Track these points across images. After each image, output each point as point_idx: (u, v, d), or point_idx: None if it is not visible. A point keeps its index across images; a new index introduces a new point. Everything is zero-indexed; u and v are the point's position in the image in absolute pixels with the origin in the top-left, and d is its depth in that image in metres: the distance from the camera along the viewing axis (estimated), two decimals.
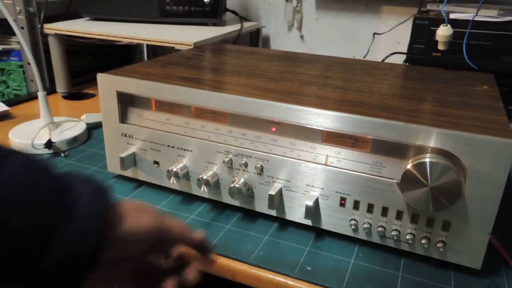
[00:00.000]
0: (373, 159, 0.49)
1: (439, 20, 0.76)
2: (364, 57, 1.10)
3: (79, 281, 0.33)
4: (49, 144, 0.74)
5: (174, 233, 0.40)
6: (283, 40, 1.28)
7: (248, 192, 0.56)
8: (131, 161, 0.62)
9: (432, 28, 0.77)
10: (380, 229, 0.50)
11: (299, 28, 1.23)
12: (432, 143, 0.45)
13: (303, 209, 0.52)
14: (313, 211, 0.52)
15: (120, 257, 0.37)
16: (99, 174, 0.67)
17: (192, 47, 0.87)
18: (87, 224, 0.32)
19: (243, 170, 0.56)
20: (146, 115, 0.60)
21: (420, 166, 0.44)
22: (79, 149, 0.77)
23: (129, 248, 0.37)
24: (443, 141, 0.44)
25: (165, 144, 0.60)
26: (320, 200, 0.52)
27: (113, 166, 0.65)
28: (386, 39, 1.13)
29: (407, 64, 0.83)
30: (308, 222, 0.54)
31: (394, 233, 0.50)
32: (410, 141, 0.46)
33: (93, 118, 0.86)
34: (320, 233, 0.55)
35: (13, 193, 0.30)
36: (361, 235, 0.52)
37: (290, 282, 0.47)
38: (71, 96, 1.08)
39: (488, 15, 0.75)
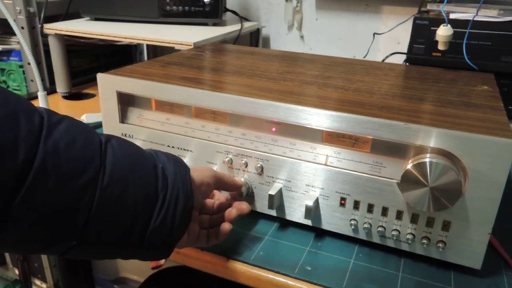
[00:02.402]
0: (373, 159, 0.49)
1: (439, 20, 0.76)
2: (364, 57, 1.10)
3: (180, 232, 0.42)
4: None
5: (226, 179, 0.50)
6: (283, 40, 1.28)
7: (248, 192, 0.56)
8: None
9: (432, 28, 0.77)
10: (380, 229, 0.50)
11: (299, 28, 1.23)
12: (432, 143, 0.45)
13: (303, 209, 0.52)
14: (313, 211, 0.52)
15: (198, 204, 0.46)
16: None
17: (192, 47, 0.87)
18: (178, 186, 0.41)
19: (243, 170, 0.56)
20: (146, 115, 0.60)
21: (420, 166, 0.44)
22: None
23: (203, 194, 0.46)
24: (443, 141, 0.44)
25: (165, 144, 0.60)
26: (320, 200, 0.52)
27: None
28: (386, 39, 1.13)
29: (407, 64, 0.83)
30: (308, 222, 0.54)
31: (394, 233, 0.50)
32: (410, 141, 0.46)
33: (93, 118, 0.86)
34: (320, 233, 0.55)
35: (125, 168, 0.38)
36: (361, 235, 0.52)
37: (290, 282, 0.47)
38: (71, 96, 1.08)
39: (488, 15, 0.75)
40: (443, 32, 0.71)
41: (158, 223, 0.39)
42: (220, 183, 0.49)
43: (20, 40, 0.76)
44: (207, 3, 1.03)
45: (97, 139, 0.38)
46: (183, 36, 0.93)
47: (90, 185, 0.35)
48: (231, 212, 0.49)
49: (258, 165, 0.54)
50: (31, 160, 0.31)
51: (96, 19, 1.10)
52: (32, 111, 0.34)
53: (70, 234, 0.35)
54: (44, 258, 1.27)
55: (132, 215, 0.38)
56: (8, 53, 1.12)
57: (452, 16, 0.77)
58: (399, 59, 0.94)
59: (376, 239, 0.52)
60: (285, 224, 0.57)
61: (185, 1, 1.04)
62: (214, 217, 0.51)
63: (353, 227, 0.52)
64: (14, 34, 0.99)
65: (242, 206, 0.50)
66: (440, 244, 0.48)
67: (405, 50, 0.83)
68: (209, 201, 0.52)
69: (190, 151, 0.58)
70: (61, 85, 1.06)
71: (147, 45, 1.39)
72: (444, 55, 0.78)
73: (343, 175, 0.50)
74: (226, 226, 0.48)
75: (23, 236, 0.33)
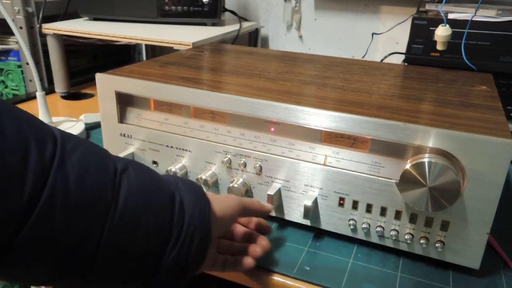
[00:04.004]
0: (372, 159, 0.49)
1: (437, 20, 0.76)
2: (363, 57, 1.10)
3: (193, 270, 0.40)
4: None
5: (253, 206, 0.48)
6: (282, 40, 1.28)
7: (247, 192, 0.56)
8: None
9: (430, 28, 0.77)
10: (378, 229, 0.50)
11: (298, 28, 1.23)
12: (430, 143, 0.45)
13: (302, 209, 0.52)
14: (312, 211, 0.52)
15: (216, 236, 0.43)
16: None
17: (191, 47, 0.86)
18: (195, 223, 0.38)
19: (242, 170, 0.56)
20: (145, 115, 0.60)
21: (418, 166, 0.44)
22: None
23: (224, 227, 0.44)
24: (441, 141, 0.44)
25: (163, 144, 0.60)
26: (319, 200, 0.52)
27: None
28: (385, 39, 1.13)
29: (406, 64, 0.83)
30: (307, 222, 0.54)
31: (393, 233, 0.50)
32: (409, 141, 0.46)
33: (92, 118, 0.86)
34: (319, 233, 0.55)
35: (139, 204, 0.35)
36: (360, 235, 0.52)
37: (289, 282, 0.47)
38: (69, 96, 1.08)
39: (487, 15, 0.75)
40: (442, 32, 0.71)
41: (169, 262, 0.37)
42: (247, 211, 0.46)
43: (19, 40, 0.76)
44: (205, 3, 1.03)
45: (112, 169, 0.35)
46: (182, 36, 0.93)
47: (99, 222, 0.33)
48: (256, 250, 0.46)
49: (257, 165, 0.54)
50: (38, 194, 0.29)
51: (95, 19, 1.10)
52: (45, 138, 0.31)
53: (74, 271, 0.33)
54: None
55: (142, 253, 0.36)
56: (6, 53, 1.12)
57: (450, 16, 0.77)
58: (398, 59, 0.94)
59: (374, 239, 0.52)
60: (284, 224, 0.57)
61: (183, 1, 1.04)
62: (235, 245, 0.48)
63: (352, 227, 0.52)
64: (12, 34, 0.99)
65: (263, 243, 0.47)
66: (439, 244, 0.48)
67: (404, 50, 0.83)
68: (232, 226, 0.50)
69: (189, 151, 0.58)
70: (59, 85, 1.06)
71: (146, 45, 1.39)
72: (443, 55, 0.78)
73: (341, 175, 0.50)
74: (249, 262, 0.45)
75: (24, 271, 0.31)
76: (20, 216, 0.29)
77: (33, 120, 0.32)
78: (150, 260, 0.36)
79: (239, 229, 0.50)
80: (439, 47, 0.73)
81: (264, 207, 0.49)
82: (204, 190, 0.42)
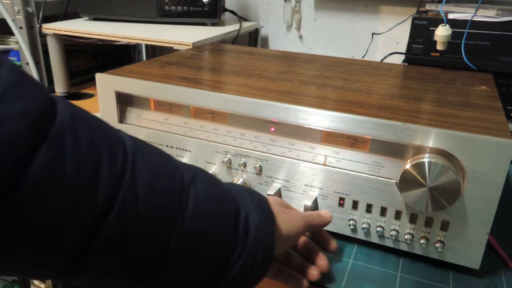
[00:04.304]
0: (372, 159, 0.49)
1: (437, 20, 0.76)
2: (363, 57, 1.10)
3: (255, 283, 0.39)
4: None
5: (315, 221, 0.46)
6: (282, 40, 1.28)
7: None
8: None
9: (430, 28, 0.77)
10: (378, 229, 0.50)
11: (298, 28, 1.23)
12: (430, 143, 0.45)
13: (302, 209, 0.52)
14: (312, 211, 0.52)
15: (279, 253, 0.43)
16: None
17: (191, 47, 0.86)
18: (260, 241, 0.38)
19: (242, 170, 0.56)
20: (145, 115, 0.60)
21: (418, 166, 0.44)
22: None
23: (288, 245, 0.43)
24: (441, 141, 0.44)
25: (164, 144, 0.60)
26: (319, 200, 0.52)
27: None
28: (385, 39, 1.13)
29: (406, 64, 0.83)
30: None
31: (392, 233, 0.50)
32: (409, 141, 0.46)
33: None
34: None
35: (204, 217, 0.35)
36: (360, 235, 0.52)
37: None
38: (69, 96, 1.08)
39: (487, 15, 0.75)
40: (442, 32, 0.71)
41: (233, 274, 0.37)
42: (309, 227, 0.45)
43: (19, 40, 0.76)
44: (205, 3, 1.03)
45: (179, 179, 0.35)
46: (182, 36, 0.93)
47: (167, 232, 0.33)
48: (313, 274, 0.45)
49: (257, 165, 0.54)
50: (110, 205, 0.29)
51: (95, 19, 1.10)
52: (116, 146, 0.31)
53: (142, 280, 0.33)
54: None
55: (205, 267, 0.36)
56: (6, 53, 1.12)
57: (450, 16, 0.77)
58: (398, 59, 0.94)
59: (374, 239, 0.52)
60: None
61: (184, 1, 1.04)
62: (294, 260, 0.47)
63: (351, 227, 0.52)
64: (12, 34, 0.99)
65: (321, 263, 0.46)
66: (439, 244, 0.48)
67: (404, 50, 0.83)
68: None
69: (189, 151, 0.58)
70: (59, 85, 1.06)
71: (146, 45, 1.39)
72: (443, 55, 0.78)
73: (341, 175, 0.50)
74: (305, 285, 0.45)
75: (97, 279, 0.32)
76: (93, 227, 0.29)
77: (103, 125, 0.32)
78: (214, 271, 0.37)
79: (300, 239, 0.49)
80: (439, 47, 0.73)
81: (325, 220, 0.47)
82: (269, 203, 0.42)
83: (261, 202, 0.41)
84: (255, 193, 0.42)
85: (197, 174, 0.37)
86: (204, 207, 0.35)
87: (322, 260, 0.46)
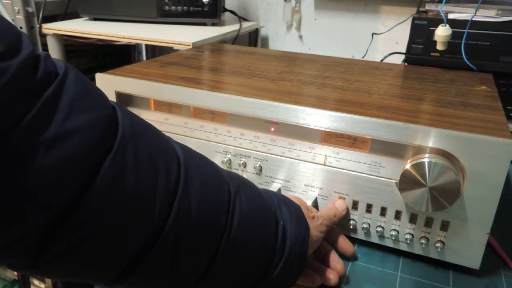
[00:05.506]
0: (372, 159, 0.49)
1: (437, 20, 0.76)
2: (363, 57, 1.10)
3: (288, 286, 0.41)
4: None
5: (335, 223, 0.49)
6: (282, 40, 1.28)
7: None
8: None
9: (430, 28, 0.77)
10: (378, 229, 0.50)
11: (298, 28, 1.23)
12: (430, 143, 0.45)
13: None
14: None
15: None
16: None
17: (191, 47, 0.86)
18: (296, 251, 0.40)
19: (242, 170, 0.56)
20: (145, 115, 0.60)
21: (418, 166, 0.44)
22: None
23: (313, 250, 0.44)
24: (441, 141, 0.44)
25: None
26: (319, 200, 0.52)
27: None
28: (385, 39, 1.13)
29: (406, 64, 0.83)
30: None
31: (392, 233, 0.50)
32: (409, 141, 0.46)
33: None
34: None
35: (248, 228, 0.37)
36: (360, 235, 0.52)
37: None
38: None
39: (487, 15, 0.75)
40: (442, 32, 0.71)
41: (271, 282, 0.39)
42: (329, 229, 0.48)
43: None
44: (205, 3, 1.03)
45: (226, 191, 0.36)
46: (182, 36, 0.93)
47: (214, 244, 0.34)
48: (330, 278, 0.46)
49: (257, 165, 0.54)
50: (164, 220, 0.30)
51: (95, 19, 1.10)
52: (171, 161, 0.32)
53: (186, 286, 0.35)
54: None
55: (245, 275, 0.38)
56: None
57: (450, 16, 0.77)
58: (398, 59, 0.94)
59: (374, 239, 0.52)
60: None
61: (184, 1, 1.04)
62: (311, 261, 0.48)
63: (351, 227, 0.52)
64: None
65: (338, 267, 0.47)
66: (439, 244, 0.48)
67: (404, 50, 0.83)
68: None
69: None
70: None
71: (146, 45, 1.39)
72: (443, 55, 0.78)
73: (341, 175, 0.50)
74: (317, 281, 0.46)
75: (137, 285, 0.33)
76: (148, 239, 0.29)
77: (160, 139, 0.33)
78: (252, 279, 0.38)
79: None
80: (439, 47, 0.73)
81: (339, 214, 0.50)
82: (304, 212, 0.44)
83: (297, 212, 0.43)
84: (291, 202, 0.43)
85: (240, 185, 0.38)
86: (248, 218, 0.37)
87: (338, 265, 0.47)
